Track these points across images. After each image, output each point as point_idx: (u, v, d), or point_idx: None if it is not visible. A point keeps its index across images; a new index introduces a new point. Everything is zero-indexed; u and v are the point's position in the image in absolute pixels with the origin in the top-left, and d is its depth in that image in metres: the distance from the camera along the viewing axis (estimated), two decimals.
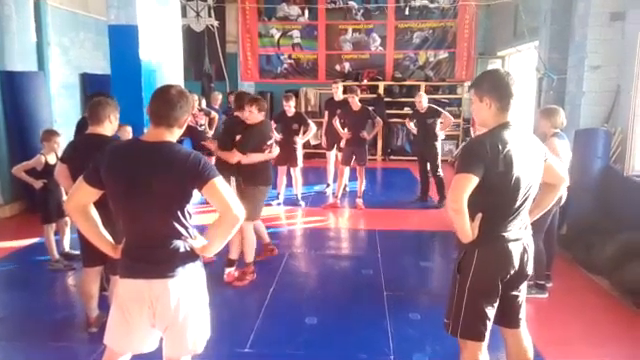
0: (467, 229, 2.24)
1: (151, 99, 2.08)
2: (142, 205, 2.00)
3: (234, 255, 4.45)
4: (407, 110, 11.17)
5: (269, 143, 4.47)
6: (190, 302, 2.09)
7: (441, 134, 7.13)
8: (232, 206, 2.01)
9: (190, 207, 2.11)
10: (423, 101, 7.02)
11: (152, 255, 2.05)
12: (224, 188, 2.03)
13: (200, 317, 2.16)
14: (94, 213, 2.14)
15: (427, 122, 7.00)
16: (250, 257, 4.44)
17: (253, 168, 4.33)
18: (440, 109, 7.21)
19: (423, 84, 11.15)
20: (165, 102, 2.04)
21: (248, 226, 4.33)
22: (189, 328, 2.11)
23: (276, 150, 4.65)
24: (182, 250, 2.06)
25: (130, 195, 2.00)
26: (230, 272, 4.43)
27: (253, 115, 4.32)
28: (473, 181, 2.17)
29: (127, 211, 2.05)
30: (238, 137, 4.31)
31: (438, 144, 7.15)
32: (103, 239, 2.18)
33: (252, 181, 4.35)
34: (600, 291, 4.32)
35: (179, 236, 2.06)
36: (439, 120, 7.00)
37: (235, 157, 4.23)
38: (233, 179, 4.29)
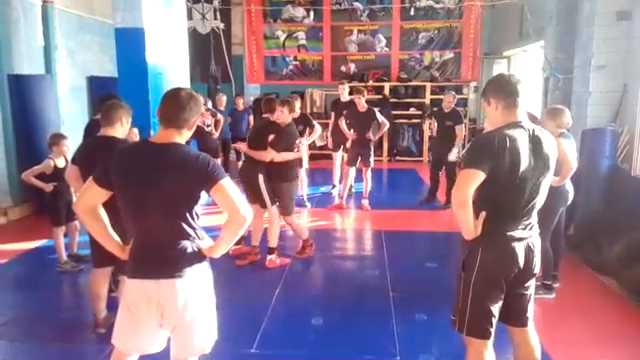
0: (470, 225, 2.25)
1: (161, 101, 2.10)
2: (151, 206, 2.02)
3: (273, 244, 4.80)
4: (413, 111, 11.22)
5: (298, 142, 4.91)
6: (198, 303, 2.10)
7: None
8: (240, 207, 2.02)
9: (198, 208, 2.12)
10: (454, 101, 6.94)
11: (160, 255, 2.06)
12: (232, 189, 2.04)
13: (207, 318, 2.18)
14: (103, 214, 2.16)
15: (446, 124, 6.90)
16: (304, 235, 5.05)
17: (283, 166, 4.71)
18: (462, 116, 7.02)
19: (429, 85, 11.15)
20: (175, 104, 2.06)
21: (292, 219, 4.91)
22: (197, 329, 2.12)
23: (304, 149, 5.00)
24: (190, 250, 2.08)
25: (139, 196, 2.02)
26: (271, 259, 4.78)
27: (284, 115, 4.72)
28: (479, 176, 2.19)
29: (136, 212, 2.06)
30: (271, 137, 4.63)
31: (459, 146, 7.05)
32: (111, 240, 2.20)
33: (284, 178, 4.77)
34: (608, 291, 4.30)
35: (187, 237, 2.07)
36: (457, 127, 6.83)
37: (270, 155, 4.59)
38: (261, 176, 4.64)
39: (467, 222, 2.25)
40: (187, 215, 2.06)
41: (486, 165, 2.18)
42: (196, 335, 2.13)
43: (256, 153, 4.66)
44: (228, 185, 2.03)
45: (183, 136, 2.11)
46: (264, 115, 4.98)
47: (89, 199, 2.12)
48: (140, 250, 2.10)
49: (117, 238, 2.21)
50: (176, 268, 2.05)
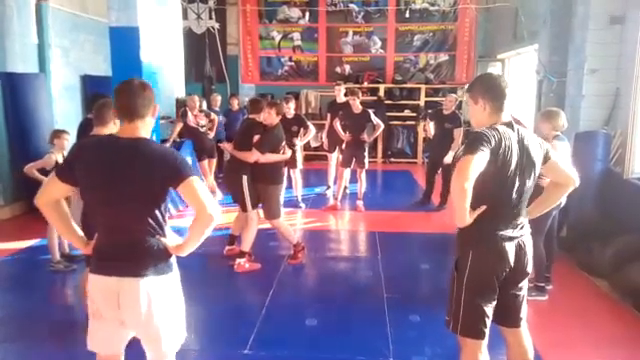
0: (466, 211, 2.18)
1: (117, 95, 2.06)
2: (118, 202, 1.98)
3: (245, 248, 4.66)
4: (407, 113, 11.25)
5: (283, 144, 4.82)
6: (161, 302, 2.06)
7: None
8: (207, 205, 1.97)
9: (167, 205, 2.09)
10: (455, 103, 6.91)
11: (125, 253, 2.02)
12: (200, 187, 2.00)
13: (173, 317, 2.14)
14: (65, 208, 2.14)
15: (445, 126, 6.87)
16: (293, 239, 4.96)
17: (268, 168, 4.64)
18: (461, 119, 6.97)
19: (423, 87, 11.19)
20: (133, 94, 2.02)
21: (279, 223, 4.83)
22: (163, 329, 2.09)
23: (289, 151, 4.96)
24: (156, 248, 2.04)
25: (106, 192, 1.98)
26: (240, 263, 4.64)
27: (271, 117, 4.65)
28: (483, 158, 2.11)
29: (103, 207, 2.03)
30: (256, 137, 4.58)
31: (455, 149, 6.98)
32: (74, 234, 2.18)
33: (270, 180, 4.70)
34: (600, 293, 4.33)
35: (153, 234, 2.03)
36: (455, 130, 6.79)
37: (254, 156, 4.53)
38: (245, 178, 4.58)
39: (464, 208, 2.17)
40: (155, 212, 2.02)
41: (486, 150, 2.12)
42: (163, 335, 2.11)
43: (240, 153, 4.60)
44: (196, 182, 1.99)
45: (147, 125, 2.07)
46: (250, 116, 4.92)
47: (51, 193, 2.09)
48: (105, 246, 2.07)
49: (80, 232, 2.19)
50: (140, 267, 2.01)
